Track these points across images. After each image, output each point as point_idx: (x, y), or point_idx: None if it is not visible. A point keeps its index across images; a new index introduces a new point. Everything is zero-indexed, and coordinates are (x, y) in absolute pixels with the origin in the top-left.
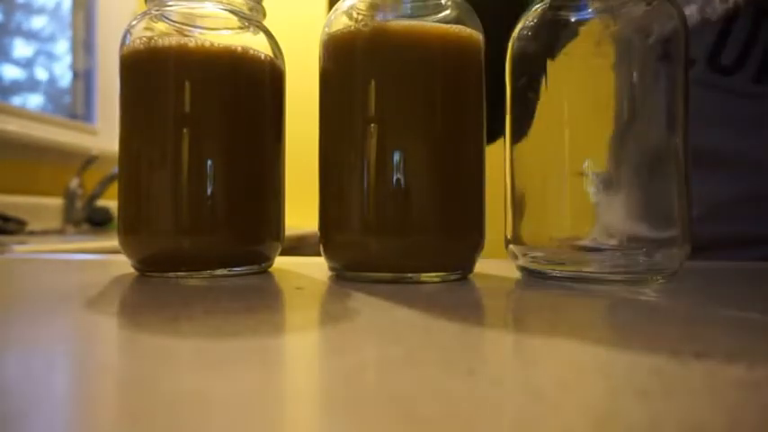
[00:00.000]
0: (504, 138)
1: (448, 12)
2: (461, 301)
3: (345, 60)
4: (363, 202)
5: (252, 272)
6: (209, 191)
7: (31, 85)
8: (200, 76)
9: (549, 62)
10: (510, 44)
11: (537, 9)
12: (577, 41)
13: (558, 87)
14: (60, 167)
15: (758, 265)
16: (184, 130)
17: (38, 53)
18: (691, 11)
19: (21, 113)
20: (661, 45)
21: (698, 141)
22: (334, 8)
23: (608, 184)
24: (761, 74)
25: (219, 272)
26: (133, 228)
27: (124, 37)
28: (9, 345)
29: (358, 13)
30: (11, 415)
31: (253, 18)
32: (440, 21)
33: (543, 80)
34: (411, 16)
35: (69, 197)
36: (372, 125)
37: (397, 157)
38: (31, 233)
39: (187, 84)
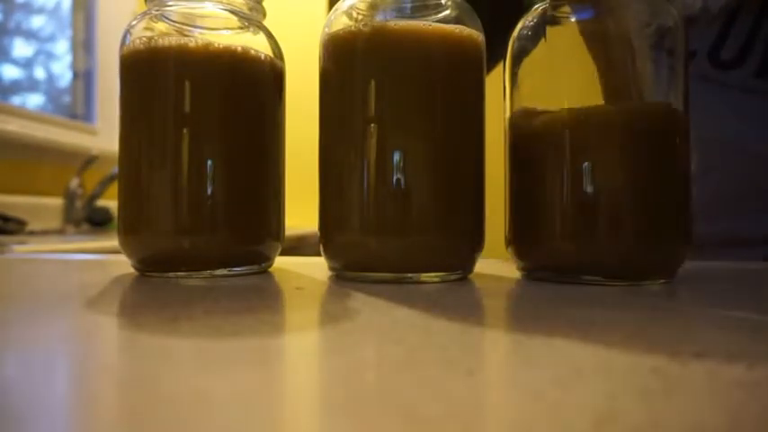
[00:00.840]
0: (505, 137)
1: (448, 12)
2: (461, 301)
3: (345, 60)
4: (363, 202)
5: (252, 272)
6: (209, 191)
7: (30, 84)
8: (201, 76)
9: (548, 28)
10: (510, 44)
11: (537, 9)
12: (577, 41)
13: (559, 86)
14: (60, 167)
15: (758, 265)
16: (184, 130)
17: (38, 53)
18: None
19: (21, 113)
20: (659, 43)
21: (699, 136)
22: (334, 8)
23: None
24: (763, 69)
25: (219, 272)
26: (133, 228)
27: (124, 37)
28: (9, 345)
29: (358, 13)
30: (11, 415)
31: (253, 18)
32: (440, 21)
33: (543, 39)
34: (411, 16)
35: (69, 197)
36: (372, 125)
37: (397, 157)
38: (31, 233)
39: (187, 84)
